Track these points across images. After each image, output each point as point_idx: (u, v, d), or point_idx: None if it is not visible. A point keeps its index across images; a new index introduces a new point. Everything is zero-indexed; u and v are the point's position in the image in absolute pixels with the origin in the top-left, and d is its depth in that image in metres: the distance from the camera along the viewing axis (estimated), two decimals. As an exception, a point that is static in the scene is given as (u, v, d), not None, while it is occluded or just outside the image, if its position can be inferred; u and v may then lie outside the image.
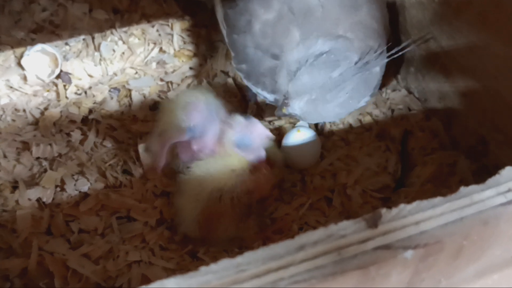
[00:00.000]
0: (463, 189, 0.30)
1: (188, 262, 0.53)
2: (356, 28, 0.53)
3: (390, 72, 0.67)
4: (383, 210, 0.29)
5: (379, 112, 0.64)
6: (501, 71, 0.51)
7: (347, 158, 0.60)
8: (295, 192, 0.58)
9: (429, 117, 0.63)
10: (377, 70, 0.54)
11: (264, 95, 0.57)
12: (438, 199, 0.30)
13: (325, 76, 0.51)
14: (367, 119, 0.64)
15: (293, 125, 0.63)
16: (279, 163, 0.58)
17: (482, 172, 0.56)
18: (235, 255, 0.27)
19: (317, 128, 0.63)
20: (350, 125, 0.63)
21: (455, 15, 0.54)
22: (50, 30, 0.72)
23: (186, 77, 0.69)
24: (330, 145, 0.62)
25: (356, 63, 0.51)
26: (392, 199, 0.56)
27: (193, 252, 0.54)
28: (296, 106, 0.53)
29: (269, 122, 0.65)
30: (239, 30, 0.56)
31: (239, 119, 0.54)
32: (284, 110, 0.54)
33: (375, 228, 0.28)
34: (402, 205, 0.29)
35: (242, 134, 0.53)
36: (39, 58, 0.68)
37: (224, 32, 0.60)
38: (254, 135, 0.54)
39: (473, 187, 0.30)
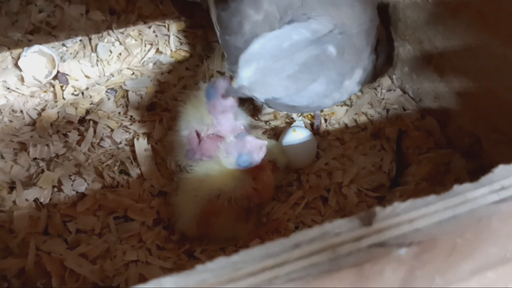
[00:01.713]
0: (456, 187, 0.30)
1: (185, 262, 0.53)
2: (324, 19, 0.53)
3: (385, 72, 0.67)
4: (378, 209, 0.29)
5: (374, 111, 0.65)
6: (498, 71, 0.51)
7: (342, 158, 0.61)
8: (291, 191, 0.59)
9: (424, 117, 0.63)
10: (333, 52, 0.52)
11: (256, 95, 0.57)
12: (432, 197, 0.30)
13: (275, 45, 0.50)
14: (362, 118, 0.64)
15: (289, 125, 0.64)
16: (282, 164, 0.58)
17: (477, 171, 0.56)
18: (231, 254, 0.27)
19: (313, 128, 0.64)
20: (346, 125, 0.64)
21: (451, 15, 0.54)
22: (47, 31, 0.73)
23: (182, 77, 0.69)
24: (326, 144, 0.62)
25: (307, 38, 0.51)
26: (387, 198, 0.57)
27: (190, 252, 0.54)
28: (244, 75, 0.51)
29: (266, 122, 0.65)
30: (231, 31, 0.56)
31: (229, 139, 0.53)
32: (233, 83, 0.52)
33: (369, 226, 0.29)
34: (396, 203, 0.29)
35: (239, 154, 0.52)
36: (36, 59, 0.68)
37: (218, 33, 0.60)
38: (251, 150, 0.53)
39: (466, 185, 0.30)
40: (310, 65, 0.51)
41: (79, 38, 0.72)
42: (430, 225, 0.29)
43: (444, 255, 0.31)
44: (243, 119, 0.58)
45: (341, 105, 0.65)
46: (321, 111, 0.65)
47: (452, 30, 0.55)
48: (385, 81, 0.67)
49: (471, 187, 0.30)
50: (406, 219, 0.29)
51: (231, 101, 0.54)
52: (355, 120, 0.64)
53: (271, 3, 0.54)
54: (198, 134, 0.56)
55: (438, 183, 0.57)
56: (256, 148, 0.53)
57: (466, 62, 0.55)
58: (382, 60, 0.60)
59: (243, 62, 0.50)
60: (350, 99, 0.66)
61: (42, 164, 0.60)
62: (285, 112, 0.66)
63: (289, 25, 0.52)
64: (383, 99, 0.66)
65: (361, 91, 0.66)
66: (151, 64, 0.71)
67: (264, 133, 0.61)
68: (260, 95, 0.53)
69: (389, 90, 0.67)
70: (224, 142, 0.53)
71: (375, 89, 0.67)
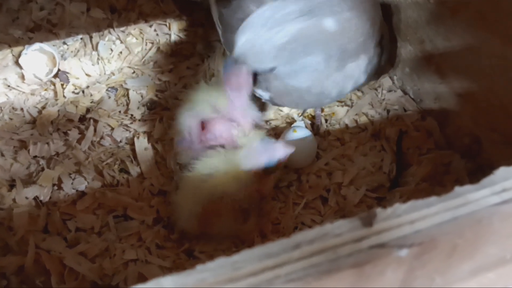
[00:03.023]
0: (457, 189, 0.30)
1: (184, 261, 0.53)
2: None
3: (386, 72, 0.67)
4: (378, 210, 0.29)
5: (375, 112, 0.65)
6: (498, 71, 0.51)
7: (342, 158, 0.61)
8: (291, 191, 0.59)
9: (425, 117, 0.63)
10: (331, 25, 0.51)
11: (260, 93, 0.57)
12: (433, 198, 0.30)
13: (268, 15, 0.50)
14: (363, 119, 0.64)
15: (290, 125, 0.64)
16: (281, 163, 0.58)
17: (477, 172, 0.56)
18: (231, 254, 0.27)
19: (313, 128, 0.64)
20: (346, 125, 0.64)
21: (452, 15, 0.54)
22: (48, 29, 0.73)
23: (183, 76, 0.69)
24: (326, 144, 0.62)
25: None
26: (387, 199, 0.57)
27: (190, 251, 0.54)
28: (239, 44, 0.51)
29: (266, 122, 0.65)
30: (233, 29, 0.56)
31: (253, 144, 0.54)
32: (233, 54, 0.52)
33: (370, 227, 0.29)
34: (397, 205, 0.29)
35: (268, 159, 0.54)
36: (37, 57, 0.68)
37: (219, 31, 0.60)
38: (278, 156, 0.54)
39: (467, 187, 0.30)
40: (302, 37, 0.51)
41: (80, 36, 0.72)
42: (431, 227, 0.29)
43: (444, 255, 0.31)
44: (255, 113, 0.58)
45: (342, 106, 0.65)
46: (322, 110, 0.65)
47: (452, 30, 0.55)
48: (386, 81, 0.67)
49: (472, 188, 0.30)
50: (407, 220, 0.29)
51: (247, 71, 0.53)
52: (356, 121, 0.64)
53: None
54: (203, 124, 0.56)
55: (438, 183, 0.57)
56: (283, 155, 0.54)
57: (467, 62, 0.55)
58: (386, 56, 0.60)
59: (239, 32, 0.51)
60: (350, 99, 0.66)
61: (42, 162, 0.60)
62: (286, 112, 0.66)
63: None
64: (383, 99, 0.66)
65: (361, 91, 0.66)
66: (152, 63, 0.70)
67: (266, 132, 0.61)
68: (252, 63, 0.52)
69: (389, 90, 0.67)
70: (248, 147, 0.54)
71: (376, 89, 0.67)
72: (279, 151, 0.54)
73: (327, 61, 0.53)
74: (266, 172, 0.54)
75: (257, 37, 0.50)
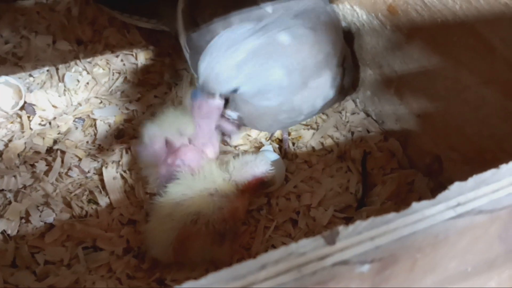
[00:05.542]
0: (415, 205, 0.31)
1: (156, 289, 0.53)
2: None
3: (350, 95, 0.69)
4: (341, 227, 0.30)
5: (340, 134, 0.66)
6: (451, 93, 0.53)
7: (310, 180, 0.62)
8: (261, 215, 0.59)
9: (387, 138, 0.65)
10: (285, 40, 0.52)
11: (228, 113, 0.58)
12: (392, 214, 0.31)
13: (226, 38, 0.52)
14: (329, 141, 0.66)
15: (258, 150, 0.65)
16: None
17: (440, 190, 0.58)
18: (199, 278, 0.28)
19: (281, 151, 0.65)
20: (313, 148, 0.65)
21: (407, 40, 0.57)
22: (14, 62, 0.72)
23: (151, 105, 0.70)
24: (294, 167, 0.63)
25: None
26: (355, 218, 0.58)
27: (161, 280, 0.54)
28: (201, 70, 0.52)
29: (235, 147, 0.66)
30: (201, 51, 0.57)
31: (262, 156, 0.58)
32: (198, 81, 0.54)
33: (333, 244, 0.29)
34: (358, 222, 0.30)
35: (266, 171, 0.57)
36: (3, 90, 0.68)
37: (187, 55, 0.61)
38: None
39: (424, 203, 0.32)
40: (258, 52, 0.52)
41: (46, 68, 0.72)
42: (390, 242, 0.30)
43: (406, 270, 0.32)
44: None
45: (308, 129, 0.67)
46: (289, 134, 0.66)
47: (409, 54, 0.57)
48: (349, 104, 0.69)
49: (429, 204, 0.32)
50: (368, 236, 0.30)
51: (216, 102, 0.54)
52: (322, 143, 0.66)
53: (242, 21, 0.55)
54: (168, 143, 0.57)
55: (402, 202, 0.59)
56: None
57: (423, 85, 0.57)
58: (349, 78, 0.62)
59: (201, 60, 0.52)
60: (316, 122, 0.67)
61: (9, 195, 0.60)
62: (254, 136, 0.66)
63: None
64: (347, 122, 0.68)
65: (326, 114, 0.68)
66: (119, 93, 0.71)
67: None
68: (216, 86, 0.52)
69: (353, 113, 0.69)
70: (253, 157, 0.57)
71: (340, 112, 0.69)
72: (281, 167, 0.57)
73: (289, 76, 0.53)
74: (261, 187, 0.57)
75: (216, 60, 0.51)
